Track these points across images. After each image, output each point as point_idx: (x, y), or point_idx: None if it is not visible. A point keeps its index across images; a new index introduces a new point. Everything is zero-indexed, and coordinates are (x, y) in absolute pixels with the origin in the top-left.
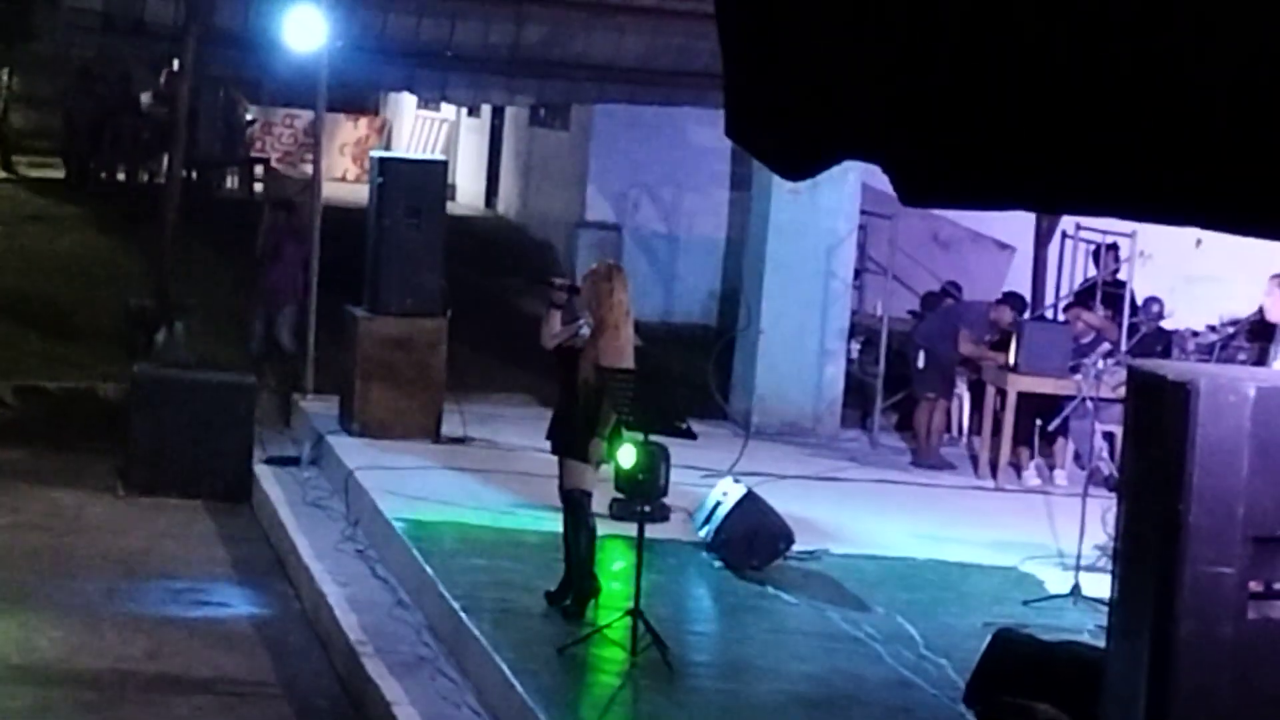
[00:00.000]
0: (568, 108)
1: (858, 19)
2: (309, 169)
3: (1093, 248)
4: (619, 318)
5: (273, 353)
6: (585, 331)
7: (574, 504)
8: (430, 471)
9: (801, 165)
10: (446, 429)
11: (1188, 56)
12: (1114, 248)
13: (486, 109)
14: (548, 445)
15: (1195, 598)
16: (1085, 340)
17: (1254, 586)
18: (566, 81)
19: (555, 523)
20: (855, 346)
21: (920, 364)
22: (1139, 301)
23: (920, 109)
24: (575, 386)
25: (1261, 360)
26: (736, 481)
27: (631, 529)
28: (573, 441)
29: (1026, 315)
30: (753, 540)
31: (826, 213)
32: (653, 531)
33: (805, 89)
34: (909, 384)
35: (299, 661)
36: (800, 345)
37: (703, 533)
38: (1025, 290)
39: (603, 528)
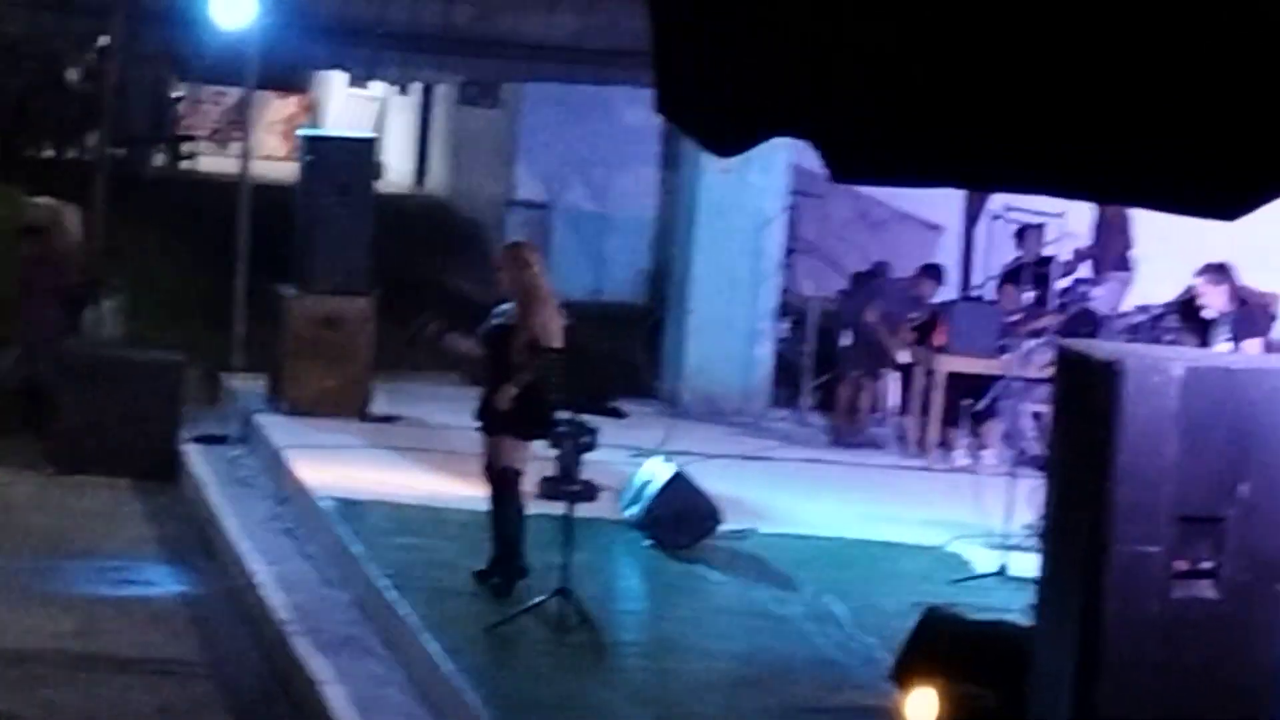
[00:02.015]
0: (498, 86)
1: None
2: (238, 146)
3: (1019, 227)
4: (546, 291)
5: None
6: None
7: (505, 483)
8: (359, 450)
9: (731, 142)
10: (375, 407)
11: (1109, 32)
12: (1040, 228)
13: (416, 87)
14: (476, 423)
15: (1122, 576)
16: (1014, 319)
17: (1180, 565)
18: (496, 60)
19: (484, 502)
20: (784, 326)
21: (845, 342)
22: (1067, 281)
23: (849, 85)
24: (507, 365)
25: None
26: (665, 461)
27: (560, 508)
28: (506, 420)
29: (950, 291)
30: (681, 519)
31: (756, 192)
32: (581, 510)
33: (735, 65)
34: (836, 363)
35: (226, 640)
36: (729, 325)
37: (631, 512)
38: (954, 271)
39: (531, 507)
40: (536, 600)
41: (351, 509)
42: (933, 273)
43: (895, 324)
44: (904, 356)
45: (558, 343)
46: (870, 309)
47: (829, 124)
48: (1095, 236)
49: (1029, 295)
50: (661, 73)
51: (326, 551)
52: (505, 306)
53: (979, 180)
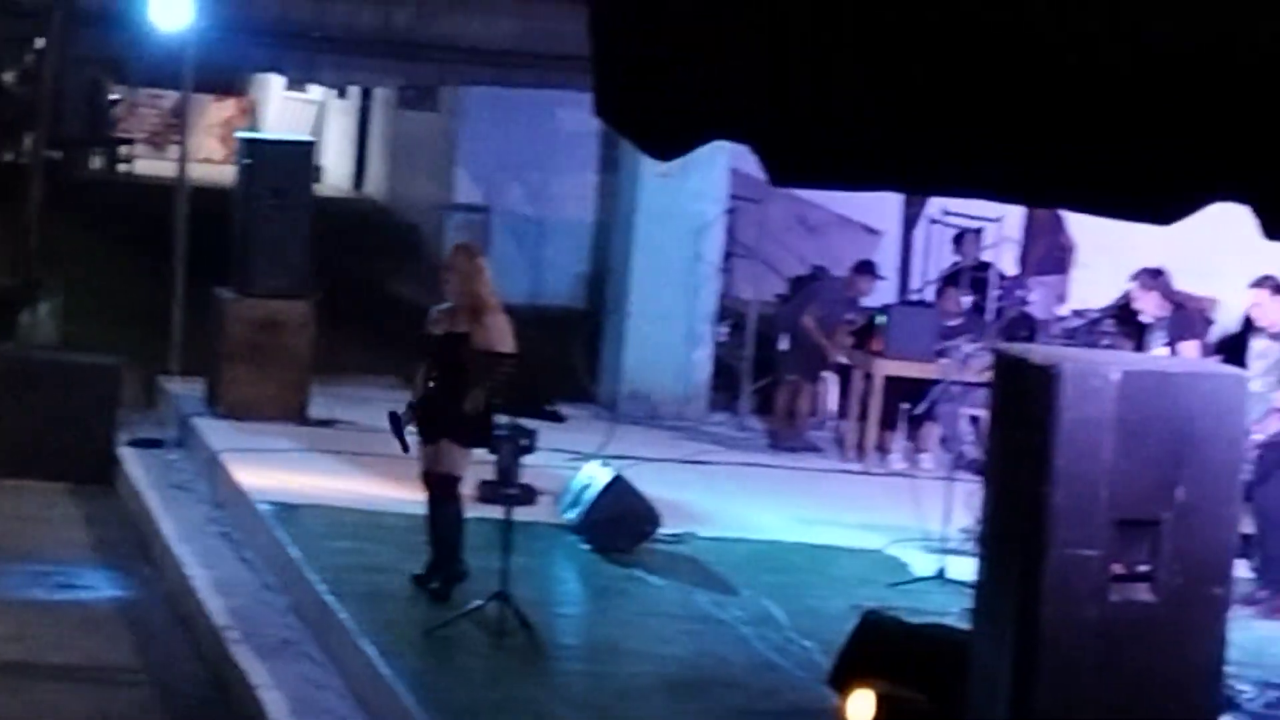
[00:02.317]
0: (436, 90)
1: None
2: (176, 149)
3: (957, 232)
4: (495, 297)
5: None
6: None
7: (444, 489)
8: (297, 454)
9: (670, 145)
10: (313, 411)
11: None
12: (978, 232)
13: (355, 90)
14: (412, 429)
15: (1059, 580)
16: (953, 323)
17: (1117, 569)
18: (435, 63)
19: (422, 506)
20: (723, 330)
21: (783, 346)
22: (1005, 285)
23: (787, 89)
24: (455, 372)
25: (1135, 348)
26: (604, 465)
27: (499, 512)
28: (450, 426)
29: (888, 295)
30: (620, 523)
31: (695, 196)
32: (520, 514)
33: (674, 69)
34: (775, 367)
35: (163, 645)
36: (668, 328)
37: (570, 516)
38: (893, 275)
39: (470, 511)
40: (475, 604)
41: (289, 513)
42: (868, 269)
43: (832, 328)
44: (840, 358)
45: (510, 348)
46: (807, 313)
47: (767, 127)
48: (1024, 240)
49: (967, 300)
50: (601, 76)
51: (264, 555)
52: (443, 307)
53: (916, 184)
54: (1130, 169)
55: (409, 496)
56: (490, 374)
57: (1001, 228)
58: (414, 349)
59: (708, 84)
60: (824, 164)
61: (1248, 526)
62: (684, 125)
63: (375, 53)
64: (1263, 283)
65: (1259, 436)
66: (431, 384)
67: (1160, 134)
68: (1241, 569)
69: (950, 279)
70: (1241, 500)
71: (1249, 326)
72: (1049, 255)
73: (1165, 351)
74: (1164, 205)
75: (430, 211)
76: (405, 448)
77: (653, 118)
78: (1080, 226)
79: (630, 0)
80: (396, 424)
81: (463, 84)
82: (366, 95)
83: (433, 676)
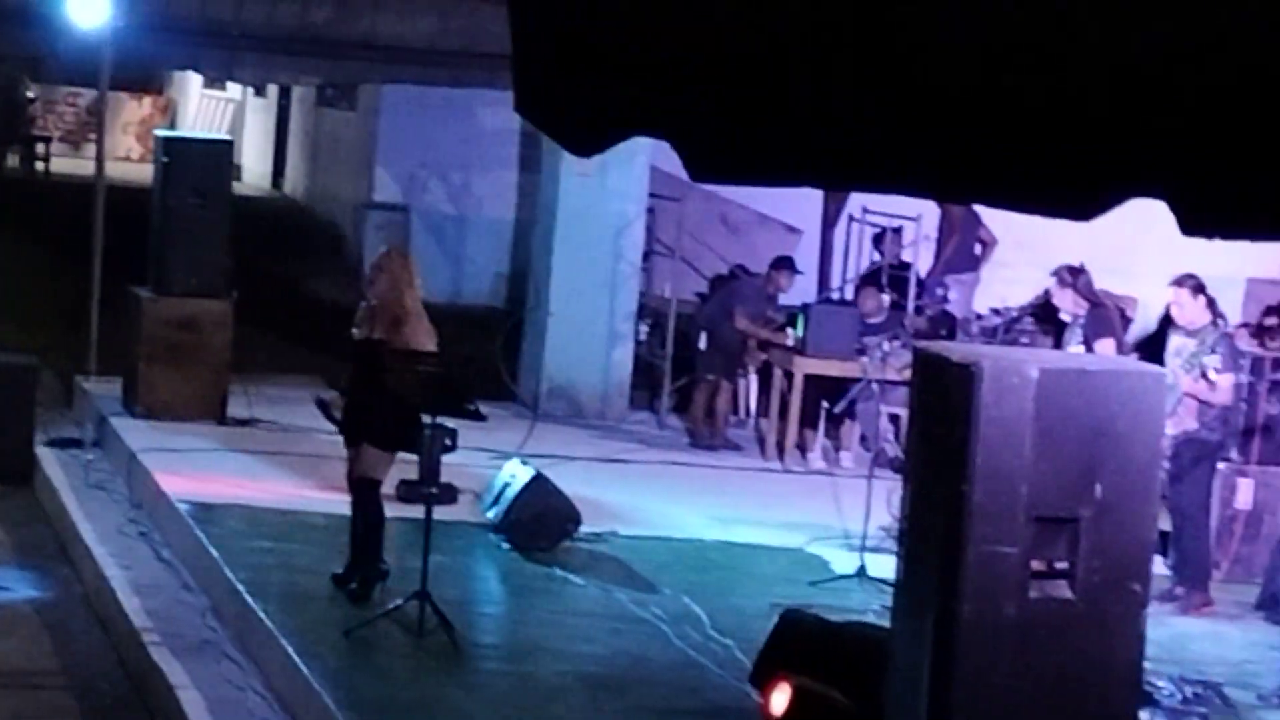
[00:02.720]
0: (355, 88)
1: None
2: (93, 147)
3: (877, 231)
4: (420, 305)
5: None
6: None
7: (364, 491)
8: (215, 453)
9: (590, 141)
10: (232, 410)
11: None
12: (898, 231)
13: (273, 89)
14: (332, 428)
15: (978, 577)
16: (873, 321)
17: (1036, 566)
18: (354, 61)
19: (342, 506)
20: (643, 329)
21: (702, 345)
22: (924, 284)
23: (706, 84)
24: (374, 375)
25: (1054, 346)
26: (524, 463)
27: (419, 511)
28: (371, 429)
29: (809, 294)
30: (541, 522)
31: (615, 195)
32: (440, 513)
33: (594, 64)
34: (694, 366)
35: (81, 646)
36: (589, 327)
37: (491, 515)
38: (813, 274)
39: (390, 510)
40: (395, 604)
41: (208, 513)
42: (786, 265)
43: (759, 326)
44: (765, 356)
45: (432, 347)
46: (739, 313)
47: (686, 123)
48: (938, 238)
49: (887, 298)
50: (521, 72)
51: (183, 555)
52: (364, 305)
53: (836, 179)
54: (1048, 164)
55: (328, 496)
56: (407, 374)
57: (921, 226)
58: (334, 348)
59: (627, 79)
60: (744, 159)
61: (1164, 524)
62: (604, 121)
63: (294, 51)
64: (1183, 281)
65: (1173, 431)
66: (351, 386)
67: (1078, 128)
68: (1159, 566)
69: (870, 278)
70: (1158, 498)
71: (1168, 324)
72: (963, 253)
73: (1082, 349)
74: (1082, 200)
75: (349, 210)
76: (338, 425)
77: (572, 113)
78: (1000, 224)
79: None
80: (324, 407)
81: (382, 82)
82: (285, 93)
83: (352, 676)
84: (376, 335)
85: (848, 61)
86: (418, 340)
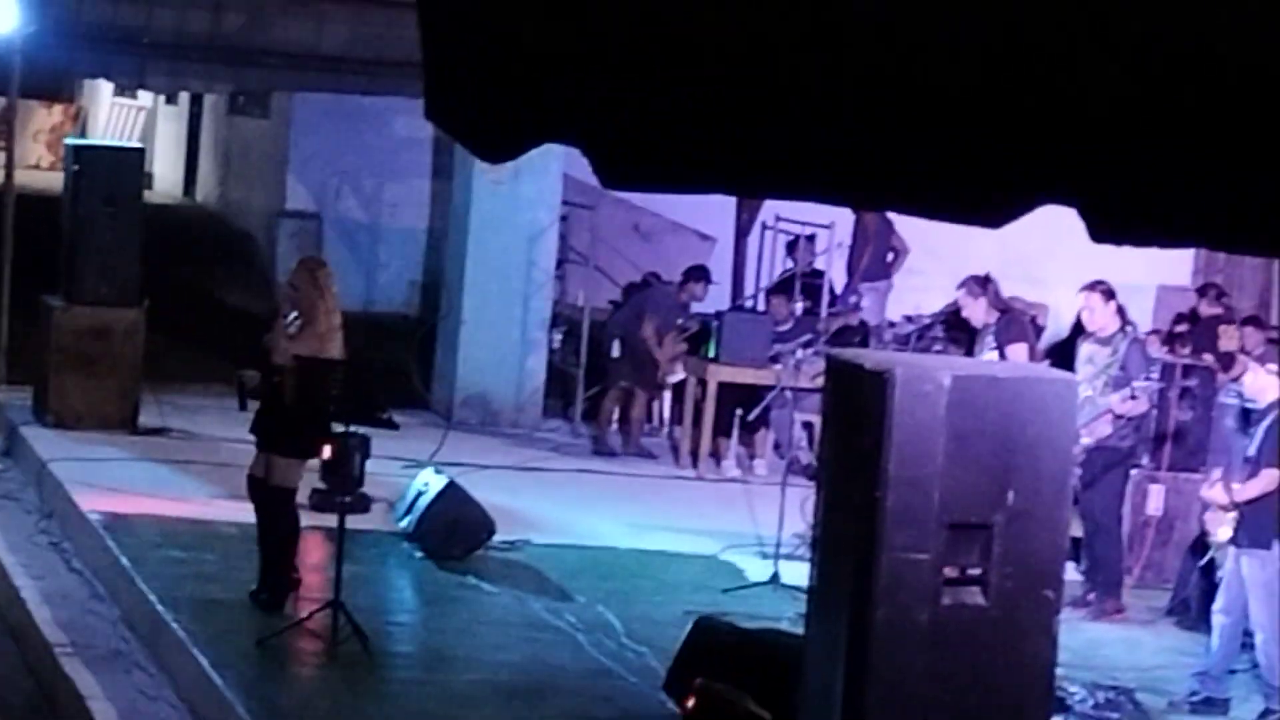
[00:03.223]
0: (267, 96)
1: (557, 3)
2: (2, 155)
3: (790, 239)
4: (334, 315)
5: None
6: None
7: (277, 500)
8: (127, 463)
9: (501, 147)
10: (144, 420)
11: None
12: (811, 239)
13: (184, 96)
14: (247, 436)
15: (891, 583)
16: (784, 328)
17: (949, 572)
18: (266, 69)
19: (254, 515)
20: (557, 337)
21: (615, 353)
22: (837, 291)
23: (616, 89)
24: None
25: (966, 354)
26: (438, 472)
27: (332, 520)
28: (282, 437)
29: (722, 302)
30: (454, 530)
31: (528, 203)
32: (353, 522)
33: (504, 71)
34: (606, 374)
35: None
36: (502, 335)
37: (404, 523)
38: (726, 282)
39: (304, 519)
40: (308, 613)
41: (119, 523)
42: (699, 274)
43: (665, 336)
44: (675, 374)
45: (337, 354)
46: (646, 323)
47: (598, 129)
48: (852, 246)
49: (796, 305)
50: (432, 78)
51: (94, 566)
52: (289, 321)
53: (748, 185)
54: (958, 169)
55: (240, 505)
56: (317, 383)
57: (834, 234)
58: (247, 357)
59: (538, 85)
60: (655, 165)
61: (1076, 530)
62: (515, 128)
63: (205, 59)
64: (1094, 286)
65: (1087, 440)
66: (263, 394)
67: (987, 133)
68: (1071, 572)
69: (781, 285)
70: (1071, 504)
71: (1079, 331)
72: (877, 261)
73: (995, 356)
74: (992, 206)
75: (262, 218)
76: (243, 406)
77: (484, 120)
78: (913, 233)
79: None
80: (241, 387)
81: (294, 90)
82: (196, 101)
83: (265, 686)
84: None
85: (754, 65)
86: (327, 350)
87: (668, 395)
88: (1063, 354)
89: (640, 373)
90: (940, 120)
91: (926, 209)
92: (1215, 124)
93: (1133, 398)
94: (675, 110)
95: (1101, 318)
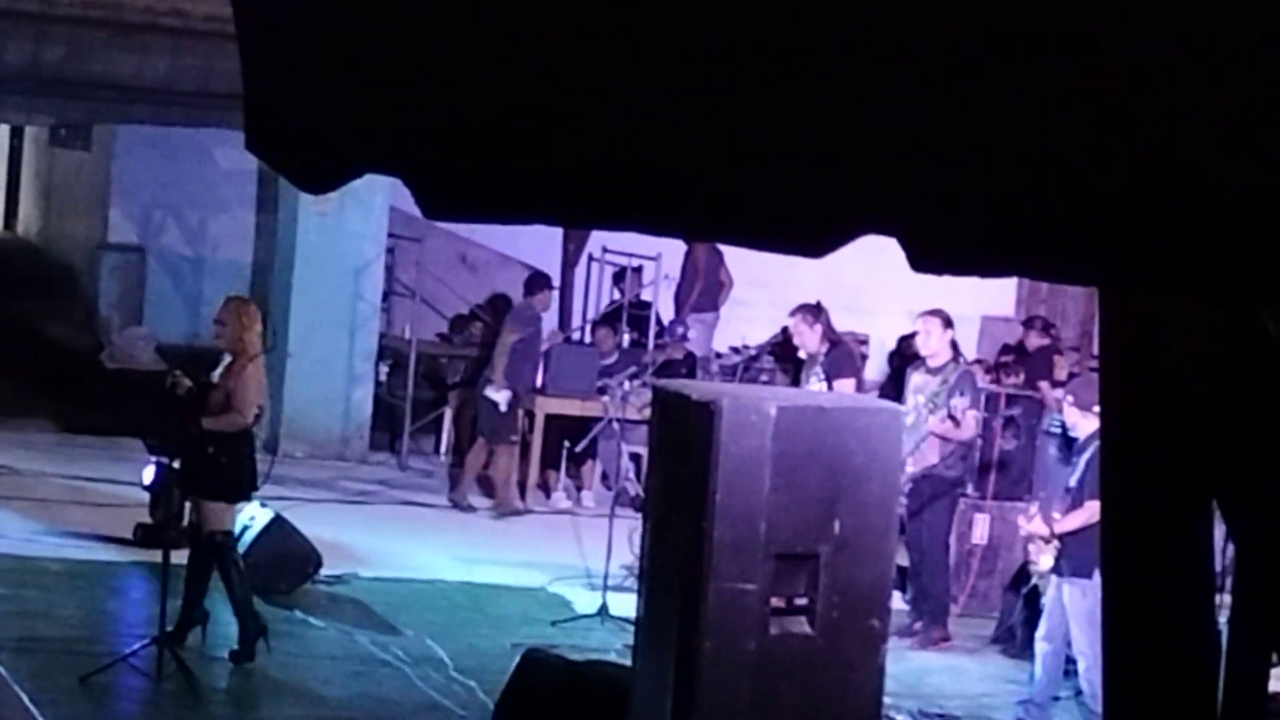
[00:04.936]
0: (89, 128)
1: (376, 30)
2: None
3: (616, 270)
4: (258, 354)
5: None
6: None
7: (218, 546)
8: None
9: (320, 178)
10: None
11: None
12: (638, 270)
13: (4, 128)
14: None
15: (719, 614)
16: (609, 361)
17: (776, 602)
18: (88, 101)
19: (79, 550)
20: (384, 369)
21: (503, 407)
22: (664, 323)
23: (437, 119)
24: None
25: (791, 383)
26: (263, 505)
27: (157, 555)
28: (209, 481)
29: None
30: (280, 564)
31: (354, 235)
32: (179, 557)
33: (325, 100)
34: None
35: None
36: (328, 368)
37: None
38: (553, 313)
39: (128, 554)
40: (132, 649)
41: None
42: (541, 283)
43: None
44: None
45: (264, 398)
46: (507, 333)
47: (417, 158)
48: (680, 278)
49: (623, 337)
50: (251, 108)
51: None
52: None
53: (569, 215)
54: (779, 198)
55: (65, 542)
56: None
57: (660, 265)
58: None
59: (358, 115)
60: (476, 194)
61: (903, 559)
62: (334, 157)
63: (26, 90)
64: (935, 313)
65: (914, 469)
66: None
67: (807, 161)
68: (898, 601)
69: (607, 317)
70: (897, 533)
71: (906, 362)
72: (706, 294)
73: (822, 387)
74: (813, 235)
75: (84, 251)
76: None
77: (303, 150)
78: (739, 264)
79: (281, 28)
80: (172, 388)
81: (116, 122)
82: (17, 133)
83: None
84: (216, 380)
85: (575, 94)
86: (248, 386)
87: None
88: (892, 385)
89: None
90: (762, 148)
91: (748, 238)
92: (1030, 151)
93: (951, 417)
94: (496, 139)
95: (936, 343)
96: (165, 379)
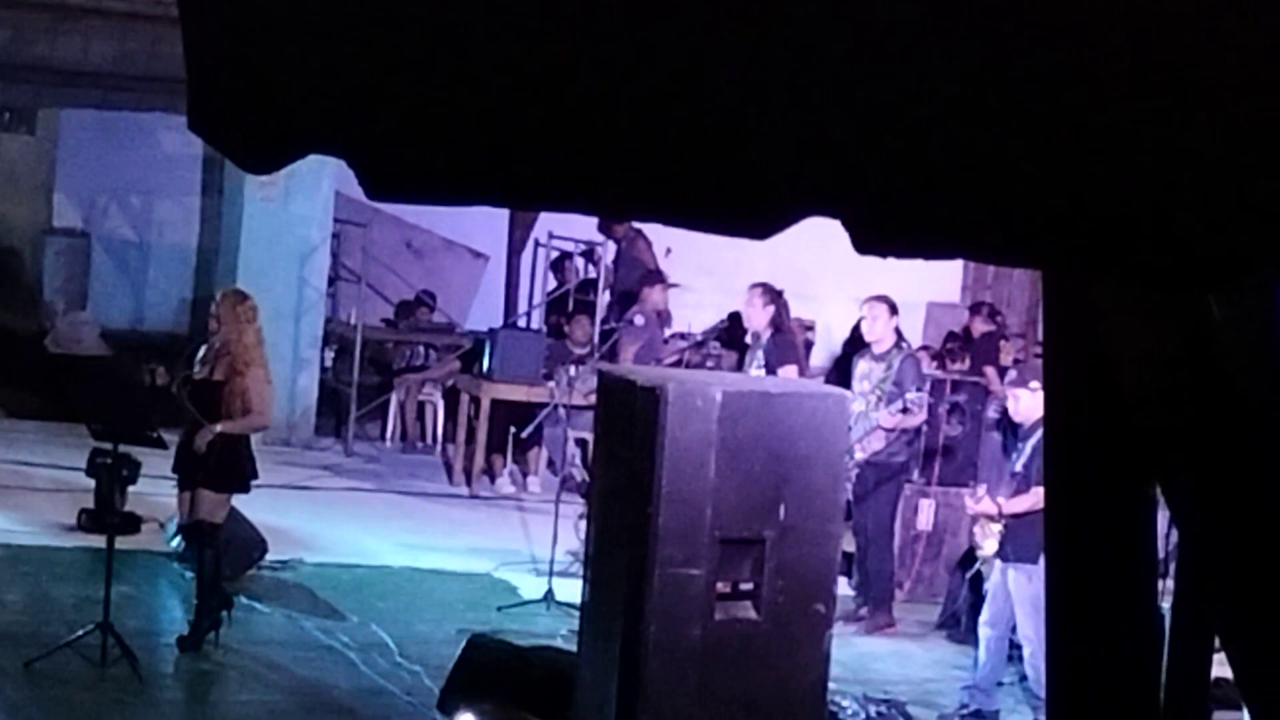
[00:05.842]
0: (34, 112)
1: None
2: None
3: (555, 256)
4: (259, 347)
5: None
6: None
7: (202, 535)
8: None
9: (263, 158)
10: None
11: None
12: (585, 254)
13: None
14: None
15: (664, 600)
16: (583, 351)
17: (721, 587)
18: (31, 85)
19: (22, 536)
20: (329, 355)
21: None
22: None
23: (381, 98)
24: (213, 419)
25: (737, 368)
26: None
27: (101, 540)
28: (205, 471)
29: (495, 320)
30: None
31: (300, 220)
32: (123, 543)
33: (268, 79)
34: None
35: None
36: (274, 353)
37: (174, 543)
38: (499, 299)
39: (72, 539)
40: (76, 634)
41: None
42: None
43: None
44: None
45: (265, 406)
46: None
47: (360, 138)
48: (615, 266)
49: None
50: (195, 87)
51: None
52: (204, 352)
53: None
54: (722, 178)
55: (6, 527)
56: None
57: (606, 250)
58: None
59: (302, 95)
60: (420, 176)
61: (848, 544)
62: (277, 137)
63: None
64: (881, 299)
65: (860, 455)
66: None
67: (750, 141)
68: (843, 586)
69: (574, 307)
70: (843, 519)
71: (852, 348)
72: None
73: (763, 373)
74: (756, 217)
75: (28, 236)
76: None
77: (246, 130)
78: (685, 250)
79: (224, 5)
80: (151, 379)
81: (60, 106)
82: None
83: (33, 709)
84: (217, 377)
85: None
86: (256, 387)
87: (441, 412)
88: (838, 371)
89: None
90: (705, 127)
91: (693, 219)
92: (972, 132)
93: (904, 410)
94: (439, 119)
95: (881, 329)
96: (143, 371)
